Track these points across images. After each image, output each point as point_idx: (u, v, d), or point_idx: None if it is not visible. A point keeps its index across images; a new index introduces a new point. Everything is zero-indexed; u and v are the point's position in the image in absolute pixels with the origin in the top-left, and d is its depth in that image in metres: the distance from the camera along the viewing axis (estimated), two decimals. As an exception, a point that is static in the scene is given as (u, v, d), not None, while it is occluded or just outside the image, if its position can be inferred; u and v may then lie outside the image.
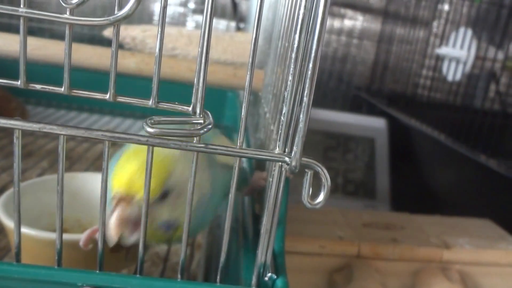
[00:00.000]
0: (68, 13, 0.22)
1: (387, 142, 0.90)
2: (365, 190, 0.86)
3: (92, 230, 0.32)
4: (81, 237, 0.32)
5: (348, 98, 1.16)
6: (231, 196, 0.26)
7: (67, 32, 0.23)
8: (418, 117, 0.88)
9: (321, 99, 1.12)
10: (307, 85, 0.24)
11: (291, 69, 0.25)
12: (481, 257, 0.47)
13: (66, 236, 0.27)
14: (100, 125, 0.82)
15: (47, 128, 0.23)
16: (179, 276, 0.27)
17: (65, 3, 0.22)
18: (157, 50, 0.24)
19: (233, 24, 1.06)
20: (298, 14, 0.25)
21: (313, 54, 0.23)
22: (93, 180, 0.43)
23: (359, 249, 0.44)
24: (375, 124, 0.91)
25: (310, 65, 0.24)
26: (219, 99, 0.77)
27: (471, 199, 0.73)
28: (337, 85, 1.16)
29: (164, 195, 0.27)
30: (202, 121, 0.24)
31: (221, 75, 0.57)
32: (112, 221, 0.25)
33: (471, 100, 1.01)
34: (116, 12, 0.23)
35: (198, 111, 0.24)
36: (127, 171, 0.26)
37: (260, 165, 0.39)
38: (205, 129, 0.23)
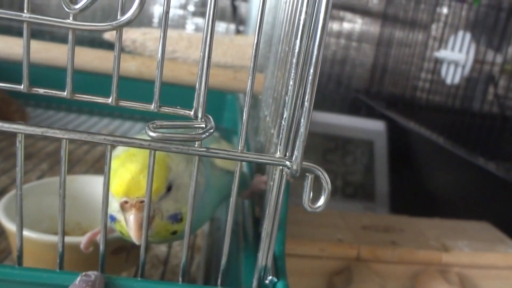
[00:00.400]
0: (71, 18, 0.22)
1: (386, 144, 0.90)
2: (364, 193, 0.86)
3: (93, 233, 0.32)
4: (82, 240, 0.32)
5: (347, 100, 1.16)
6: (232, 199, 0.26)
7: (70, 37, 0.23)
8: (417, 120, 0.89)
9: (320, 101, 1.12)
10: (308, 90, 0.24)
11: (292, 73, 0.25)
12: (480, 260, 0.47)
13: (67, 239, 0.27)
14: (100, 127, 0.83)
15: (50, 132, 0.23)
16: (180, 279, 0.27)
17: (68, 8, 0.22)
18: (159, 54, 0.24)
19: (232, 26, 1.07)
20: (299, 19, 0.25)
21: (314, 59, 0.24)
22: (92, 183, 0.43)
23: (358, 252, 0.44)
24: (374, 127, 0.91)
25: (311, 70, 0.24)
26: (218, 102, 0.77)
27: (469, 202, 0.73)
28: (336, 87, 1.17)
29: (168, 189, 0.27)
30: (204, 126, 0.24)
31: (221, 78, 0.57)
32: (133, 227, 0.26)
33: (470, 103, 1.01)
34: (118, 17, 0.23)
35: (200, 115, 0.24)
36: (131, 175, 0.26)
37: (260, 168, 0.39)
38: (207, 134, 0.23)
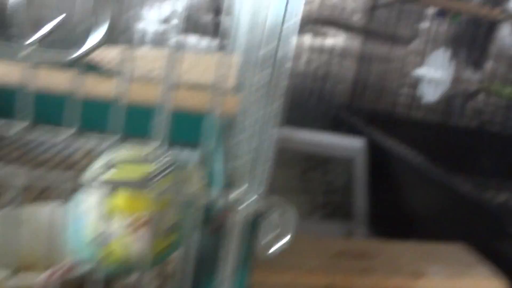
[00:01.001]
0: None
1: (365, 162, 0.90)
2: (343, 212, 0.85)
3: (53, 271, 0.31)
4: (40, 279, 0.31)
5: (328, 117, 1.16)
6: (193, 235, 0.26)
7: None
8: (397, 136, 0.89)
9: (301, 118, 1.11)
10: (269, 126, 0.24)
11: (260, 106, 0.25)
12: (453, 286, 0.47)
13: (23, 280, 0.26)
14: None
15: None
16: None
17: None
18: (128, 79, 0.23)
19: (214, 43, 1.06)
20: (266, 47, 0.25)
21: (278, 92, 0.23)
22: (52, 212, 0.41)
23: (331, 281, 0.44)
24: (354, 144, 0.90)
25: (276, 104, 0.23)
26: (195, 124, 0.76)
27: (447, 222, 0.73)
28: (317, 103, 1.16)
29: None
30: (164, 162, 0.24)
31: (199, 99, 0.56)
32: (146, 239, 0.26)
33: (449, 118, 1.02)
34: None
35: (160, 149, 0.24)
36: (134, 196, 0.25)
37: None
38: (159, 177, 0.23)
